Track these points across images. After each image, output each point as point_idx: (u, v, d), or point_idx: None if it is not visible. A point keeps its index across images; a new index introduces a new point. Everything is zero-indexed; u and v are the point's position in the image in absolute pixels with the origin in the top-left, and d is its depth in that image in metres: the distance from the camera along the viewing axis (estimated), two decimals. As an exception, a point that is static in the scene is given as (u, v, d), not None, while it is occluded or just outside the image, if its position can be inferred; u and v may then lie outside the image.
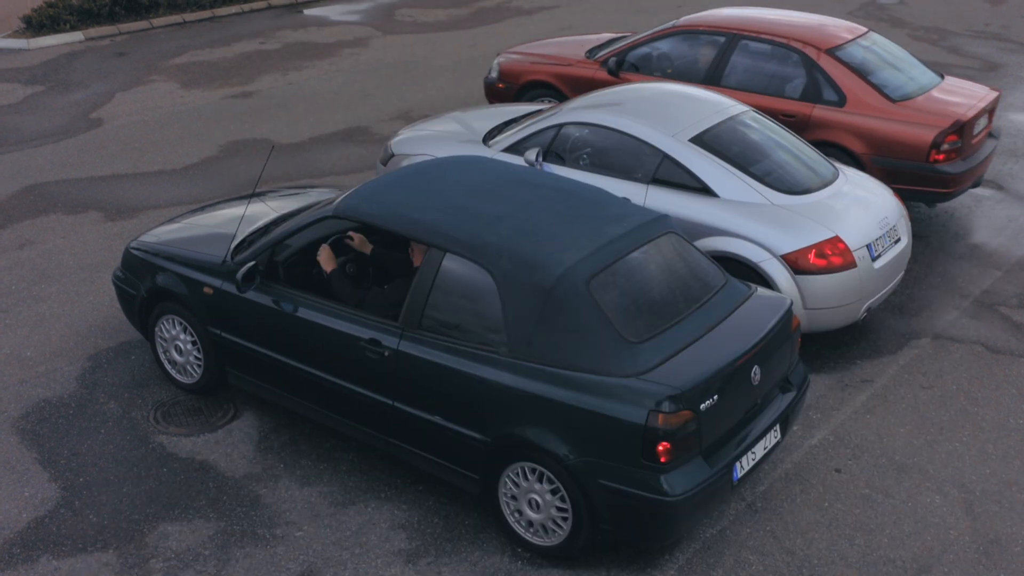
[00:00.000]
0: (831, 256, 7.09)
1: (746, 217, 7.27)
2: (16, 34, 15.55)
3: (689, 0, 18.09)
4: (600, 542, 5.40)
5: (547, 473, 5.30)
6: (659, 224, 5.84)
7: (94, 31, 15.79)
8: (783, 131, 8.23)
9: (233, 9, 17.36)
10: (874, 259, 7.33)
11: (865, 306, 7.35)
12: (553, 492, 5.35)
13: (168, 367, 6.94)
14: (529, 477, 5.40)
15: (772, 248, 7.13)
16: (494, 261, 5.41)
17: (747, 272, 7.21)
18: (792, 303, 5.96)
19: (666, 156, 7.60)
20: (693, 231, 7.37)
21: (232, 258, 6.44)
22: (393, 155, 8.88)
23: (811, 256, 7.08)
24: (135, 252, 6.98)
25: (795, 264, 7.08)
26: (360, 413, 5.96)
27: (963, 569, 5.61)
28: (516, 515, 5.56)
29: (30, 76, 13.84)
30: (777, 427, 5.71)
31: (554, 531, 5.45)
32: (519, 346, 5.29)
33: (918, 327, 8.00)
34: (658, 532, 5.21)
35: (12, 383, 7.00)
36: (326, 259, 6.25)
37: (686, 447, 5.07)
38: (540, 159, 7.97)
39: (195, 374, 6.80)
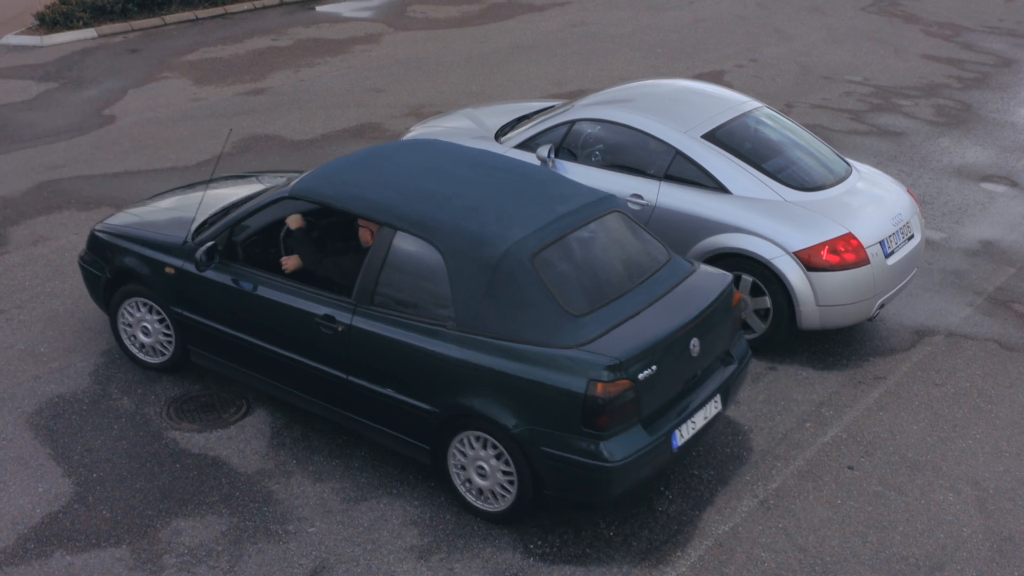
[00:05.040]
0: (844, 253, 7.07)
1: (759, 214, 7.24)
2: (30, 31, 15.60)
3: (701, -4, 18.03)
4: (544, 506, 5.66)
5: (493, 441, 5.52)
6: (605, 203, 6.02)
7: (107, 28, 15.83)
8: (796, 127, 8.21)
9: (245, 6, 17.38)
10: (887, 256, 7.30)
11: (878, 303, 7.32)
12: (499, 459, 5.57)
13: (134, 349, 7.12)
14: (476, 446, 5.62)
15: (785, 245, 7.11)
16: (442, 238, 5.60)
17: (760, 269, 7.19)
18: (733, 279, 6.13)
19: (678, 152, 7.58)
20: (706, 228, 7.35)
21: (193, 239, 6.64)
22: (405, 151, 8.88)
23: (824, 253, 7.06)
24: (100, 235, 7.16)
25: (808, 261, 7.06)
26: (316, 387, 6.16)
27: (976, 566, 5.59)
28: (465, 483, 5.78)
29: (43, 73, 13.88)
30: (718, 398, 5.90)
31: (501, 496, 5.67)
32: (466, 320, 5.49)
33: (931, 324, 7.97)
34: (598, 496, 5.41)
35: (26, 379, 7.02)
36: (294, 220, 6.56)
37: (625, 415, 5.26)
38: (552, 156, 7.96)
39: (165, 352, 6.97)
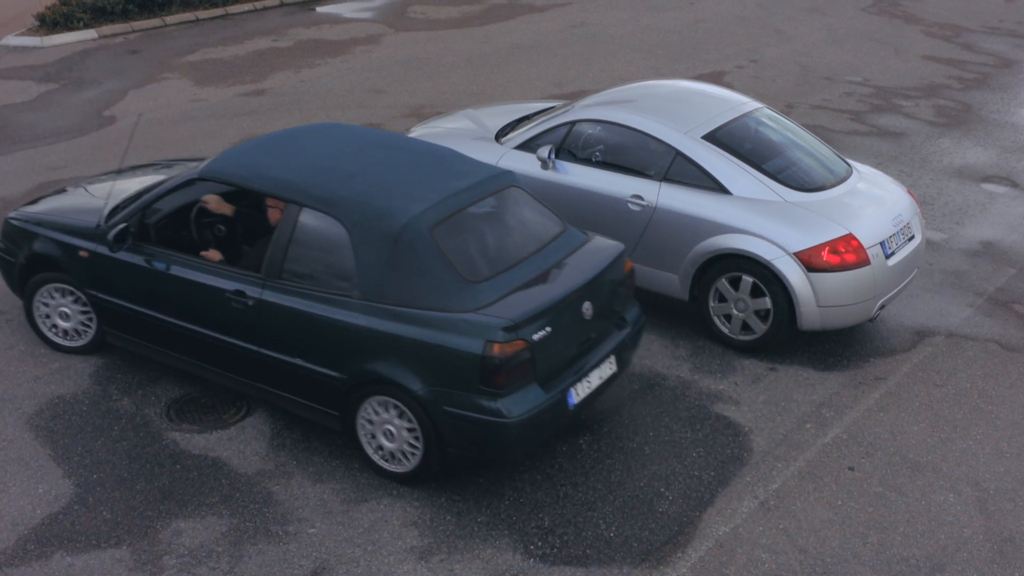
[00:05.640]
0: (845, 254, 7.07)
1: (759, 214, 7.24)
2: (30, 32, 15.61)
3: (702, -4, 18.03)
4: (450, 465, 5.93)
5: (399, 404, 5.79)
6: (502, 179, 6.34)
7: (107, 29, 15.84)
8: (797, 128, 8.21)
9: (246, 6, 17.39)
10: (888, 257, 7.30)
11: (879, 304, 7.32)
12: (405, 421, 5.85)
13: (51, 334, 7.29)
14: (382, 410, 5.90)
15: (785, 246, 7.11)
16: (346, 213, 5.86)
17: (760, 270, 7.19)
18: (624, 248, 6.38)
19: (679, 153, 7.57)
20: (706, 229, 7.35)
21: (106, 223, 6.85)
22: (405, 152, 8.88)
23: (824, 254, 7.05)
24: (14, 222, 7.34)
25: (808, 262, 7.05)
26: (229, 361, 6.40)
27: (977, 567, 5.58)
28: (374, 447, 6.06)
29: (44, 74, 13.89)
30: (612, 359, 6.24)
31: (409, 457, 5.95)
32: (370, 289, 5.76)
33: (932, 325, 7.97)
34: (499, 452, 5.72)
35: (26, 380, 7.03)
36: (217, 204, 6.79)
37: (521, 374, 5.56)
38: (552, 156, 7.96)
39: (87, 334, 7.20)
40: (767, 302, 7.26)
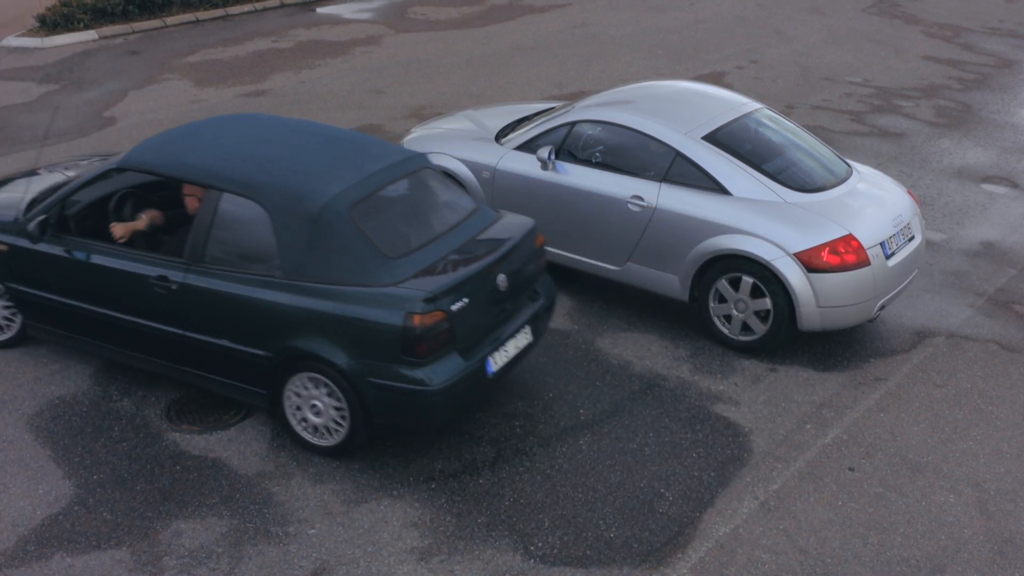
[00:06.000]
0: (845, 254, 7.06)
1: (759, 215, 7.24)
2: (30, 33, 15.61)
3: (702, -3, 18.03)
4: (376, 436, 6.22)
5: (325, 380, 5.97)
6: (415, 161, 6.60)
7: (108, 29, 15.84)
8: (797, 129, 8.21)
9: (246, 7, 17.39)
10: (888, 257, 7.29)
11: (879, 304, 7.32)
12: (331, 396, 6.04)
13: None
14: (309, 386, 6.08)
15: (785, 246, 7.11)
16: (266, 196, 6.03)
17: (760, 270, 7.19)
18: (535, 224, 6.63)
19: (679, 154, 7.57)
20: (706, 229, 7.35)
21: (24, 215, 6.87)
22: (405, 153, 8.88)
23: (825, 254, 7.05)
24: None
25: (808, 262, 7.05)
26: (155, 347, 6.50)
27: (977, 568, 5.58)
28: (302, 423, 6.25)
29: (44, 75, 13.89)
30: (528, 329, 6.51)
31: (336, 430, 6.15)
32: (292, 269, 5.92)
33: (932, 325, 7.96)
34: (423, 420, 5.93)
35: (26, 380, 7.03)
36: (122, 231, 6.74)
37: (441, 344, 5.79)
38: (552, 157, 7.96)
39: (12, 328, 7.29)
40: (767, 303, 7.26)
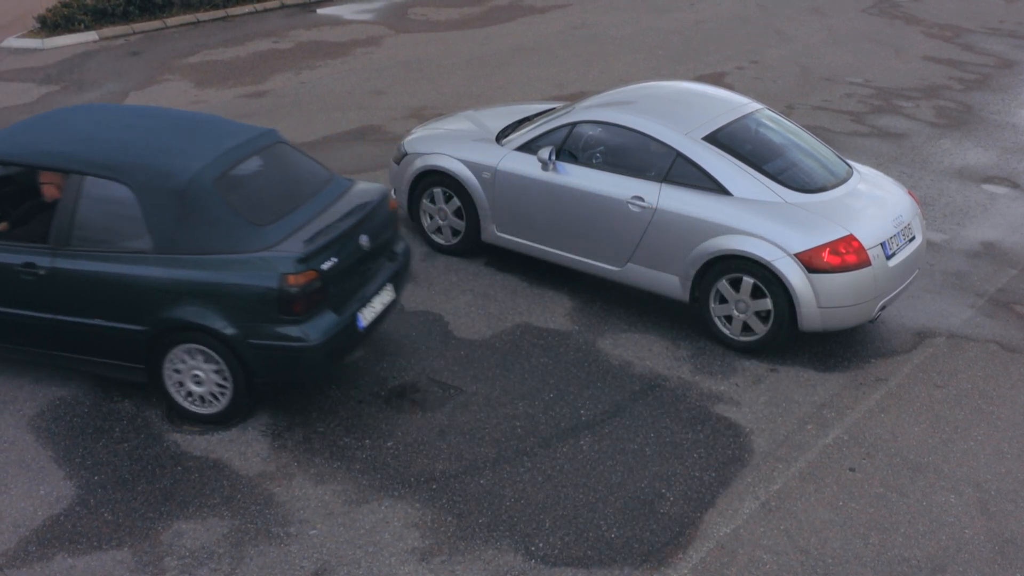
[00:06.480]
0: (845, 254, 7.07)
1: (759, 215, 7.24)
2: (31, 34, 15.61)
3: (702, -2, 18.03)
4: (258, 400, 6.48)
5: (204, 349, 6.21)
6: (268, 136, 6.91)
7: (108, 30, 15.85)
8: (798, 129, 8.21)
9: (246, 8, 17.39)
10: (888, 258, 7.30)
11: (879, 304, 7.32)
12: (211, 363, 6.27)
13: None
14: (188, 357, 6.30)
15: (785, 247, 7.11)
16: (130, 176, 6.23)
17: (761, 271, 7.19)
18: (389, 190, 7.07)
19: (679, 154, 7.58)
20: (707, 230, 7.35)
21: None
22: (406, 154, 8.89)
23: (825, 255, 7.06)
24: None
25: (809, 263, 7.06)
26: (27, 335, 6.60)
27: (978, 568, 5.58)
28: (185, 396, 6.46)
29: (45, 76, 13.90)
30: (390, 287, 6.98)
31: (220, 396, 6.40)
32: (163, 243, 6.15)
33: (933, 325, 7.97)
34: (304, 373, 6.27)
35: (27, 381, 7.03)
36: None
37: (315, 301, 6.15)
38: (553, 158, 7.96)
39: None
40: (768, 303, 7.26)
